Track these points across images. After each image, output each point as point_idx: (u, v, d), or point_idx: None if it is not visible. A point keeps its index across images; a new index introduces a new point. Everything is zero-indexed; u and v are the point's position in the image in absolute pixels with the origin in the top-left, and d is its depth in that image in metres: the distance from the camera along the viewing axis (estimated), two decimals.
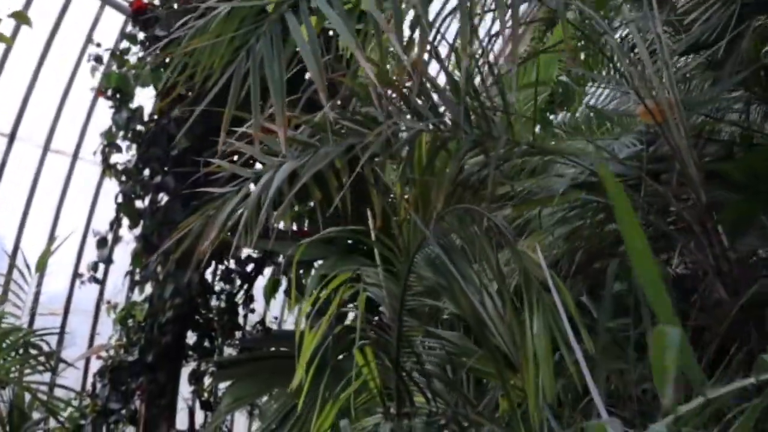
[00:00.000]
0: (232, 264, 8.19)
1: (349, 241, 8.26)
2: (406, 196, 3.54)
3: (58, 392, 8.99)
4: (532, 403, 2.65)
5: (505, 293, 2.74)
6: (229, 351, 8.64)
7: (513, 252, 2.78)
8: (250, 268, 8.67)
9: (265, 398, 7.77)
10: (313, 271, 9.57)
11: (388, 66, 3.18)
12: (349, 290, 3.73)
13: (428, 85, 3.17)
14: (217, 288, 8.57)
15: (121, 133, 7.69)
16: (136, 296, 8.37)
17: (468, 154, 3.24)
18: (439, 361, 3.73)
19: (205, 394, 8.62)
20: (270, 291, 9.05)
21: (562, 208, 3.38)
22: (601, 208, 3.27)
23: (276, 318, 11.20)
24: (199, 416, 8.68)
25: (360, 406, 3.87)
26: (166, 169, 7.81)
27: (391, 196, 8.47)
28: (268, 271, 8.99)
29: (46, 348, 8.79)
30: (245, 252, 8.46)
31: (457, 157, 3.25)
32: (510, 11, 2.72)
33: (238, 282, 8.26)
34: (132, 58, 7.63)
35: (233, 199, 3.29)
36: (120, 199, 7.82)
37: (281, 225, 8.76)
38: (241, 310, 8.62)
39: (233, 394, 7.41)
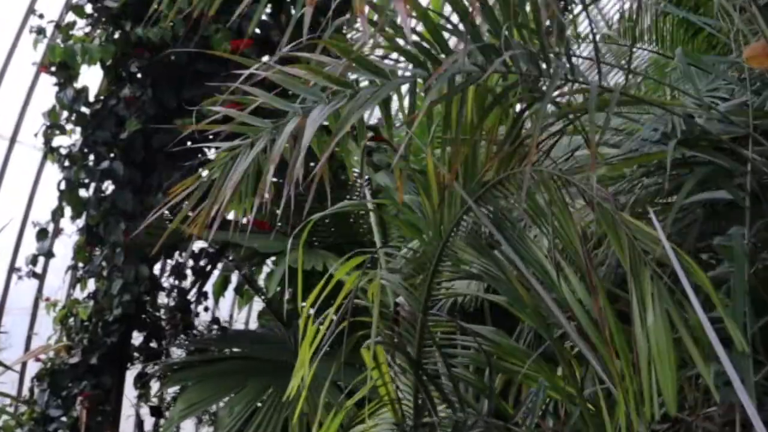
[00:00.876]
0: (184, 259, 7.41)
1: (313, 237, 7.62)
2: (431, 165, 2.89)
3: None
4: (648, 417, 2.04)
5: (596, 278, 2.12)
6: (178, 352, 7.88)
7: (612, 223, 2.16)
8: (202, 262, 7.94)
9: (221, 403, 7.03)
10: (265, 268, 8.95)
11: None
12: (356, 279, 3.07)
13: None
14: (165, 284, 7.81)
15: (65, 114, 6.91)
16: (78, 293, 7.58)
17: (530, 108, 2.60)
18: (468, 362, 3.09)
19: (154, 400, 7.85)
20: (219, 288, 8.35)
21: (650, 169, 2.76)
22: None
23: (227, 318, 10.44)
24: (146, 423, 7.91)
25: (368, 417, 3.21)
26: (113, 154, 7.05)
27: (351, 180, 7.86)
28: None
29: None
30: (197, 245, 7.72)
31: (506, 109, 2.62)
32: None
33: (191, 278, 7.52)
34: (78, 33, 6.87)
35: (246, 153, 2.61)
36: (63, 187, 7.05)
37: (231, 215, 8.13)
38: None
39: (186, 399, 6.72)
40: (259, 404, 6.74)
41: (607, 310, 2.19)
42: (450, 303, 3.88)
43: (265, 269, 9.03)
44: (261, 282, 8.94)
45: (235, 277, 9.11)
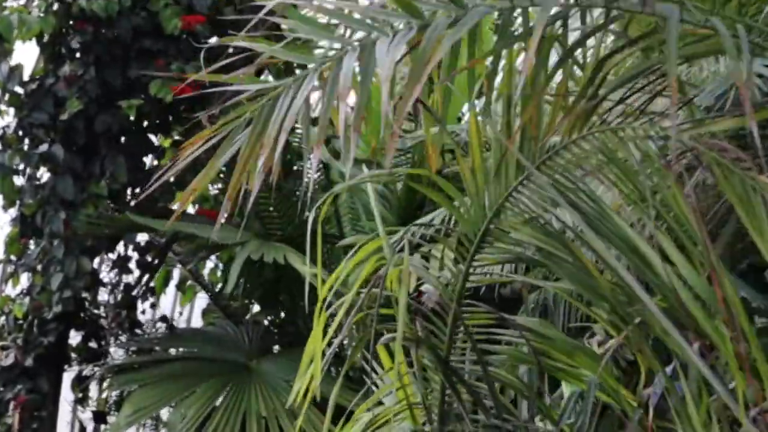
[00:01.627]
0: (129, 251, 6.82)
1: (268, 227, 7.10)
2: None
3: None
4: None
5: (716, 261, 1.67)
6: (119, 353, 7.26)
7: (742, 191, 1.71)
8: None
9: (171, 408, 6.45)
10: (209, 263, 8.37)
11: None
12: (376, 263, 2.59)
13: None
14: (105, 279, 7.20)
15: None
16: (10, 290, 6.92)
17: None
18: (506, 360, 2.61)
19: (92, 403, 7.23)
20: (161, 284, 7.75)
21: None
22: None
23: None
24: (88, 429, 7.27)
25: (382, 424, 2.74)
26: (52, 137, 6.43)
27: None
28: None
29: None
30: (141, 237, 7.12)
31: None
32: None
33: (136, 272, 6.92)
34: (14, 4, 6.23)
35: (298, 87, 2.10)
36: None
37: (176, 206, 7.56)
38: None
39: (133, 403, 6.16)
40: (216, 406, 6.18)
41: (735, 302, 1.74)
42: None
43: (209, 264, 8.51)
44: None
45: (176, 273, 8.56)
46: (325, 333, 2.62)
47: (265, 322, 7.68)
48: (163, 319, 7.34)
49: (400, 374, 2.87)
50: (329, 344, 2.95)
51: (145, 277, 6.95)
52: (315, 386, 2.66)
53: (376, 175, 4.30)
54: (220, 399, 6.27)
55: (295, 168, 7.11)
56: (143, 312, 7.19)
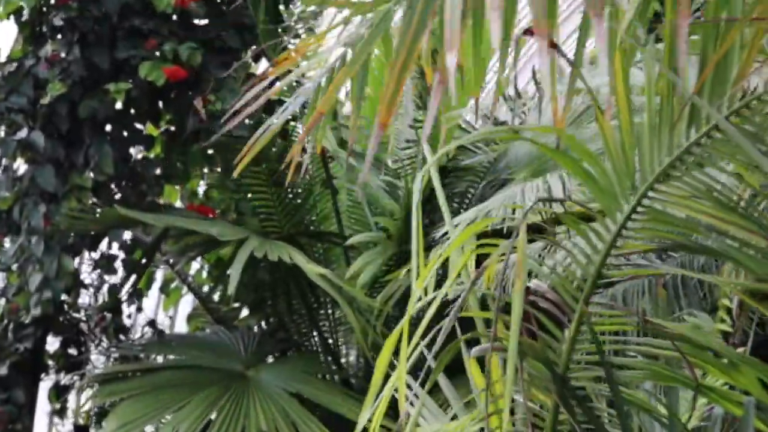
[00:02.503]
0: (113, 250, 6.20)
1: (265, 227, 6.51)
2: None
3: None
4: None
5: None
6: (101, 360, 6.63)
7: None
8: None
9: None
10: (195, 263, 7.74)
11: None
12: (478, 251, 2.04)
13: None
14: (87, 280, 6.56)
15: None
16: None
17: None
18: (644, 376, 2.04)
19: (72, 415, 6.58)
20: (144, 286, 7.12)
21: None
22: None
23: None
24: None
25: None
26: (31, 123, 5.79)
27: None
28: None
29: None
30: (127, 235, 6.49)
31: None
32: None
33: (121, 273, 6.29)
34: None
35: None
36: None
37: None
38: None
39: (120, 416, 5.57)
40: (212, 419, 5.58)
41: None
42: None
43: (194, 265, 7.89)
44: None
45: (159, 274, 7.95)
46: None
47: (255, 328, 7.08)
48: (151, 323, 6.70)
49: (491, 395, 2.29)
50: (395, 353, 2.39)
51: (132, 278, 6.29)
52: (401, 402, 2.07)
53: (491, 132, 3.76)
54: (216, 411, 5.66)
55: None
56: (129, 316, 6.54)
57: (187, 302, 8.82)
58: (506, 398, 1.94)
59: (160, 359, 6.76)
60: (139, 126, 6.36)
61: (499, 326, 2.22)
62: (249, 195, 6.58)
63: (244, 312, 7.57)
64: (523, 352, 2.17)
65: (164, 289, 7.95)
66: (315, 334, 6.97)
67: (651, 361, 2.10)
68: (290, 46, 6.67)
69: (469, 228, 2.15)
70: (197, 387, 5.84)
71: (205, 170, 6.74)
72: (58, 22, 5.85)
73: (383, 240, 6.25)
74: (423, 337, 2.27)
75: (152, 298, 8.52)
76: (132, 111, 6.22)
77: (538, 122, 6.47)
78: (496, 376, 2.30)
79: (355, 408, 6.04)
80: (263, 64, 6.73)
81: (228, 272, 7.01)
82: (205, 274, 7.80)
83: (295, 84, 6.69)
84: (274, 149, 6.68)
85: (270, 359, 6.54)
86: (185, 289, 8.01)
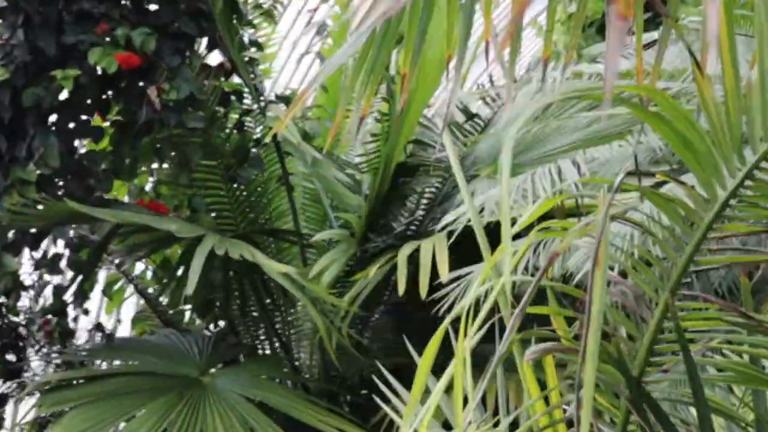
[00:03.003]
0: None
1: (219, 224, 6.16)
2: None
3: None
4: None
5: None
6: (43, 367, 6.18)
7: None
8: None
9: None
10: (139, 264, 7.33)
11: None
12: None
13: None
14: (27, 281, 6.13)
15: None
16: None
17: None
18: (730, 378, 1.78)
19: (8, 423, 6.13)
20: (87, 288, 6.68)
21: None
22: None
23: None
24: None
25: None
26: None
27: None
28: None
29: None
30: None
31: None
32: None
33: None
34: None
35: None
36: None
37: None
38: None
39: (67, 427, 5.21)
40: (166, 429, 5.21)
41: None
42: None
43: (138, 266, 7.48)
44: None
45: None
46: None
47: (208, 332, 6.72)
48: (98, 327, 6.25)
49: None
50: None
51: (78, 279, 5.86)
52: (458, 411, 1.78)
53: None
54: (171, 418, 5.28)
55: (251, 156, 6.17)
56: (75, 319, 6.10)
57: (130, 305, 8.40)
58: (585, 417, 1.63)
59: (105, 365, 6.36)
60: (86, 117, 5.94)
61: (558, 322, 1.94)
62: (203, 191, 6.22)
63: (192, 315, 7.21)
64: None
65: (107, 291, 7.53)
66: (271, 337, 6.62)
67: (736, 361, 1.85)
68: (246, 35, 6.35)
69: (542, 206, 1.84)
70: (151, 394, 5.46)
71: (155, 165, 6.36)
72: (0, 3, 5.41)
73: (346, 238, 5.95)
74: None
75: (94, 301, 8.07)
76: (79, 100, 5.80)
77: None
78: (554, 382, 2.01)
79: (314, 413, 5.70)
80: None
81: (178, 273, 6.66)
82: (150, 275, 7.42)
83: (252, 77, 6.44)
84: (228, 145, 6.34)
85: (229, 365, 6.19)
86: (128, 291, 7.61)
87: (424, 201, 6.42)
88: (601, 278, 1.67)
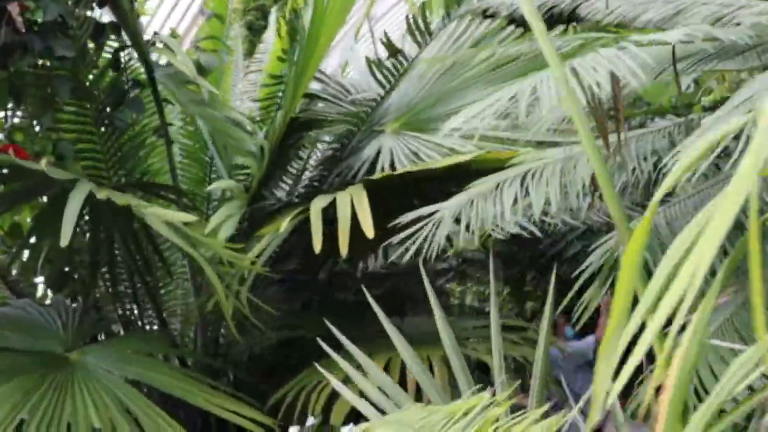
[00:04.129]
0: None
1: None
2: None
3: None
4: None
5: None
6: None
7: None
8: None
9: None
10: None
11: None
12: None
13: None
14: None
15: None
16: None
17: None
18: None
19: None
20: None
21: None
22: None
23: None
24: None
25: None
26: None
27: None
28: None
29: None
30: None
31: None
32: None
33: None
34: None
35: None
36: None
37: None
38: None
39: None
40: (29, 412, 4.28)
41: None
42: None
43: None
44: None
45: None
46: None
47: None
48: None
49: None
50: None
51: None
52: None
53: None
54: (33, 401, 4.33)
55: (129, 97, 5.24)
56: None
57: None
58: None
59: None
60: None
61: None
62: (71, 136, 5.23)
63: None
64: None
65: None
66: (145, 308, 5.72)
67: None
68: None
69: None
70: (8, 374, 4.48)
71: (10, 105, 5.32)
72: None
73: (240, 192, 5.13)
74: None
75: None
76: None
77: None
78: None
79: (194, 389, 4.85)
80: None
81: (31, 240, 5.68)
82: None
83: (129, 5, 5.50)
84: (101, 85, 5.39)
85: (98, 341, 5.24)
86: None
87: (328, 155, 5.68)
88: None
